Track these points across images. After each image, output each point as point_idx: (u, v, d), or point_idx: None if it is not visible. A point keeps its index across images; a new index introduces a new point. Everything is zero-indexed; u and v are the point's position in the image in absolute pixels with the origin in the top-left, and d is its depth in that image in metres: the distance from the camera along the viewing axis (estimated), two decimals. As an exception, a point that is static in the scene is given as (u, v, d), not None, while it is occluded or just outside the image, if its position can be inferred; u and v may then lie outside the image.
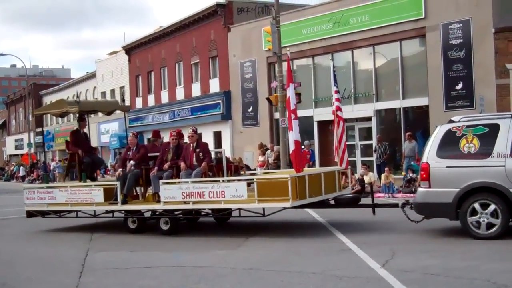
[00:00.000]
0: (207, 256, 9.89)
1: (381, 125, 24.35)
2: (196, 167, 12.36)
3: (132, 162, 13.10)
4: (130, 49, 40.66)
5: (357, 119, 25.01)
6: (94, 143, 48.20)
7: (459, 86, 20.88)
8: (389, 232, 11.54)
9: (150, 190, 13.25)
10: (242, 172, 14.12)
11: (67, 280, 8.47)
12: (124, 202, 12.89)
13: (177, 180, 12.30)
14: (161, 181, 12.23)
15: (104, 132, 45.12)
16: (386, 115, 24.70)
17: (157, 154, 13.37)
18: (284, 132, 23.00)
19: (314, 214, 14.14)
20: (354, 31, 24.26)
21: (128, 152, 13.55)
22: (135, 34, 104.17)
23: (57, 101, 17.00)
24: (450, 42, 21.05)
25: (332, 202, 12.72)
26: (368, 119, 24.46)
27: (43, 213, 14.43)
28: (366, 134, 24.87)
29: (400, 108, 23.49)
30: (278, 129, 25.08)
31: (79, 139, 14.59)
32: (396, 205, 12.02)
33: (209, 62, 32.28)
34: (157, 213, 12.61)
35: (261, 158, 24.42)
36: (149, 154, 13.64)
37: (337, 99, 14.98)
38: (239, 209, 12.05)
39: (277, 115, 25.63)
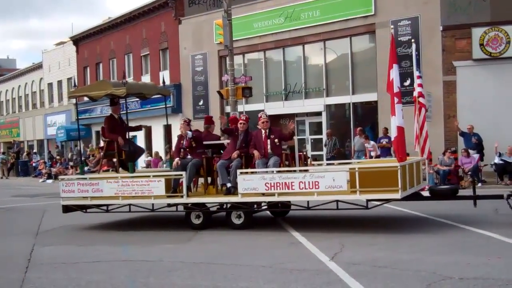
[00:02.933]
0: (157, 250, 9.76)
1: (331, 120, 24.62)
2: (271, 156, 11.39)
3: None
4: (78, 40, 39.89)
5: (308, 114, 25.20)
6: (40, 135, 47.31)
7: (407, 83, 21.25)
8: (338, 225, 11.61)
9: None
10: (309, 163, 12.95)
11: (12, 276, 8.22)
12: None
13: (260, 169, 11.13)
14: (239, 170, 11.19)
15: (51, 124, 44.15)
16: (336, 110, 24.96)
17: (214, 142, 12.63)
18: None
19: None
20: (305, 26, 24.42)
21: (182, 141, 12.31)
22: (84, 25, 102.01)
23: (99, 82, 15.64)
24: (399, 39, 21.40)
25: (427, 194, 11.86)
26: (318, 113, 24.68)
27: (84, 207, 13.10)
28: (316, 128, 25.10)
29: (349, 103, 23.79)
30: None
31: (115, 125, 13.20)
32: (494, 197, 11.40)
33: (159, 54, 31.95)
34: (225, 206, 11.84)
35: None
36: (205, 142, 12.62)
37: (420, 85, 13.72)
38: (337, 201, 10.93)
39: (228, 109, 25.54)
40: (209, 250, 9.56)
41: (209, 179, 12.53)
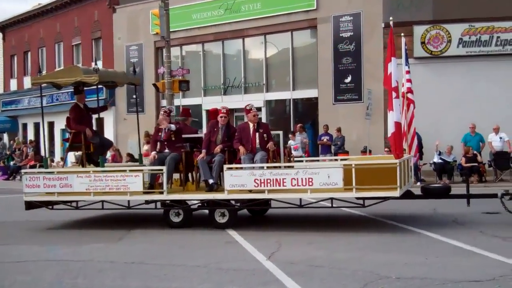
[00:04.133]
0: (85, 250, 9.34)
1: (271, 116, 24.46)
2: (258, 151, 10.86)
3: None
4: (5, 27, 38.36)
5: (247, 109, 24.86)
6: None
7: (348, 79, 21.25)
8: (276, 224, 11.44)
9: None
10: (291, 159, 12.38)
11: None
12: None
13: (251, 165, 10.58)
14: (225, 166, 10.61)
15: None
16: (276, 105, 24.82)
17: (191, 136, 12.04)
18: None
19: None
20: (246, 18, 24.11)
21: (159, 133, 11.70)
22: (11, 10, 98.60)
23: (68, 68, 14.73)
24: (340, 35, 21.38)
25: (419, 192, 11.40)
26: (258, 109, 24.34)
27: (49, 204, 12.30)
28: (255, 124, 24.79)
29: (290, 99, 23.65)
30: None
31: (82, 115, 12.41)
32: (488, 196, 11.06)
33: (92, 44, 30.96)
34: (206, 203, 11.11)
35: (146, 147, 23.58)
36: (183, 136, 11.98)
37: (409, 80, 13.30)
38: (332, 198, 10.46)
39: (164, 102, 24.89)
40: (142, 250, 9.24)
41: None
